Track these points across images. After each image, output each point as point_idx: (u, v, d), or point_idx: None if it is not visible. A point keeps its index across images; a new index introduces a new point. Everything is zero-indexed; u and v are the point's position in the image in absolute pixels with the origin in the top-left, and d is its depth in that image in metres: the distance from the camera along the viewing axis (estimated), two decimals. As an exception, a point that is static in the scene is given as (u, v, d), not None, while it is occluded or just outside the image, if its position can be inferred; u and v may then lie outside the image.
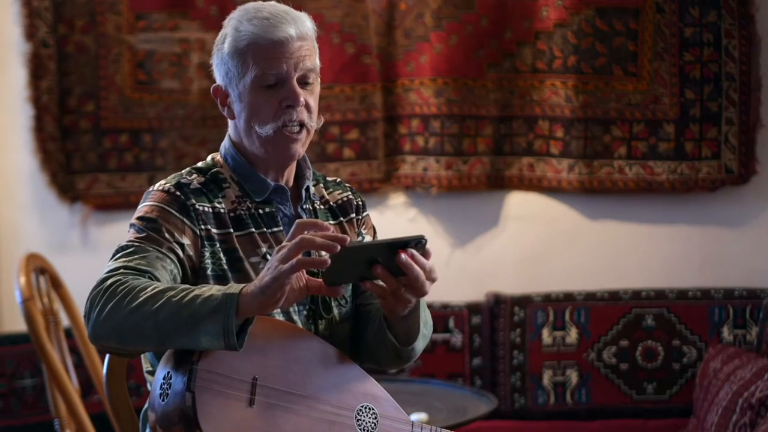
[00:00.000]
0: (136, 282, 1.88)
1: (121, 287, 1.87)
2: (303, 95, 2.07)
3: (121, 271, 1.92)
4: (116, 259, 1.96)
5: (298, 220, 1.88)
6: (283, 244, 1.84)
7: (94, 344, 1.94)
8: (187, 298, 1.83)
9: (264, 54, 2.05)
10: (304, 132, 2.09)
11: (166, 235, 2.00)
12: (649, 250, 3.98)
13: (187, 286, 1.88)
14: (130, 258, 1.95)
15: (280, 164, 2.13)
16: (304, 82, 2.09)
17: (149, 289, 1.86)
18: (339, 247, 1.82)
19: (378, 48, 4.00)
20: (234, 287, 1.83)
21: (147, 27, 4.04)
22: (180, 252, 2.00)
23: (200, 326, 1.81)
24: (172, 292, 1.84)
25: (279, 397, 1.89)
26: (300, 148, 2.10)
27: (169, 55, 4.05)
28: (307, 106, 2.09)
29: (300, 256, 1.81)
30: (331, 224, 2.18)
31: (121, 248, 1.99)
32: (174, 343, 1.86)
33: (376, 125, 4.03)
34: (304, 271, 1.88)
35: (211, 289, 1.84)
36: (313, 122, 2.11)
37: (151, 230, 2.00)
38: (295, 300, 1.91)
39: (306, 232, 1.84)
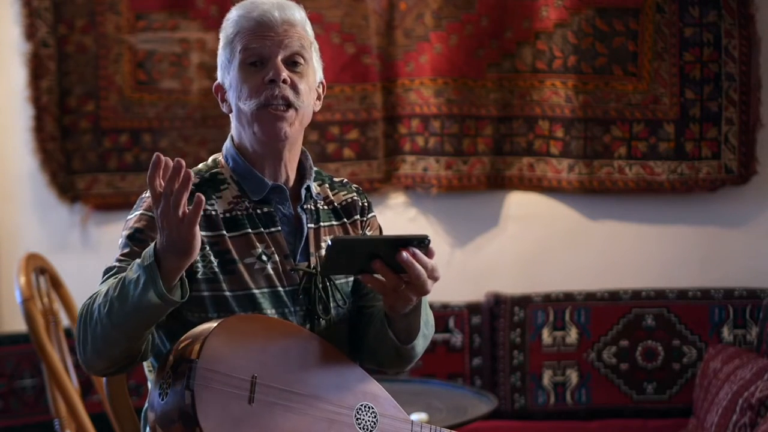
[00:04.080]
0: (92, 299, 1.93)
1: (84, 312, 1.93)
2: (288, 74, 2.07)
3: (95, 296, 1.95)
4: (101, 282, 1.99)
5: (148, 178, 1.82)
6: (161, 206, 1.81)
7: (92, 374, 2.00)
8: (122, 289, 1.87)
9: (247, 33, 2.07)
10: (292, 111, 2.07)
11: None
12: (649, 250, 3.99)
13: (122, 274, 1.91)
14: (109, 281, 1.98)
15: (270, 147, 2.10)
16: (292, 63, 2.09)
17: (99, 297, 1.91)
18: (185, 169, 1.79)
19: (378, 48, 4.00)
20: (147, 257, 1.85)
21: (147, 27, 4.04)
22: None
23: (143, 306, 1.85)
24: (111, 289, 1.89)
25: (278, 395, 1.89)
26: (287, 128, 2.07)
27: (169, 55, 4.05)
28: (294, 86, 2.08)
29: (185, 208, 1.81)
30: (333, 225, 2.18)
31: (107, 270, 2.02)
32: (137, 332, 1.90)
33: (376, 125, 4.03)
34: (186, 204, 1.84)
35: (132, 266, 1.88)
36: (302, 102, 2.09)
37: (136, 245, 2.02)
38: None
39: (158, 180, 1.81)
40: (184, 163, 1.80)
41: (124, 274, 1.90)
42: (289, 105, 2.07)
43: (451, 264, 4.05)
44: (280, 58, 2.07)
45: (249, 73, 2.07)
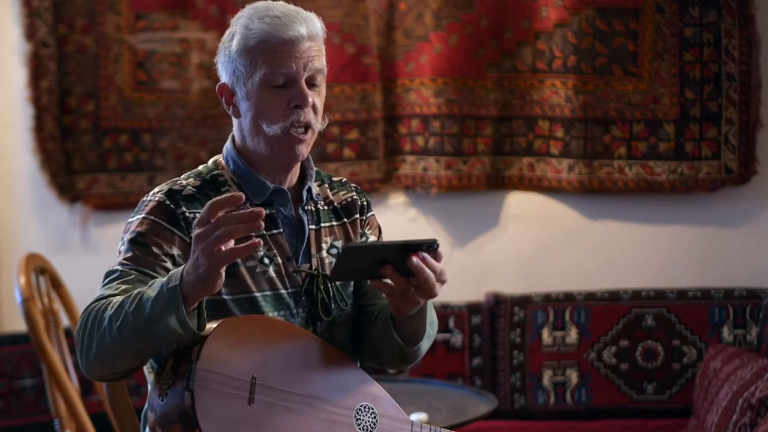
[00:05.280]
0: (100, 305, 1.90)
1: (91, 317, 1.89)
2: (311, 96, 2.06)
3: (98, 301, 1.93)
4: (102, 287, 1.97)
5: (210, 201, 1.80)
6: (202, 230, 1.78)
7: (91, 379, 1.97)
8: (138, 305, 1.84)
9: (274, 53, 2.04)
10: (309, 133, 2.08)
11: (155, 249, 2.00)
12: (649, 250, 3.98)
13: (140, 290, 1.87)
14: (112, 284, 1.96)
15: (284, 165, 2.11)
16: (311, 83, 2.08)
17: (110, 308, 1.87)
18: (260, 221, 1.77)
19: (378, 48, 4.00)
20: (173, 279, 1.82)
21: (147, 27, 4.04)
22: (170, 264, 1.99)
23: (159, 327, 1.82)
24: (127, 303, 1.86)
25: (278, 396, 1.89)
26: (305, 150, 2.09)
27: (169, 55, 4.05)
28: (314, 107, 2.08)
29: (231, 244, 1.78)
30: (334, 225, 2.18)
31: (108, 273, 1.99)
32: (147, 350, 1.88)
33: (376, 125, 4.03)
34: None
35: (153, 284, 1.85)
36: (319, 123, 2.10)
37: (138, 249, 2.00)
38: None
39: (222, 212, 1.79)
40: (263, 214, 1.77)
41: (142, 290, 1.86)
42: (307, 128, 2.07)
43: (451, 264, 4.04)
44: (304, 78, 2.06)
45: (273, 94, 2.05)
